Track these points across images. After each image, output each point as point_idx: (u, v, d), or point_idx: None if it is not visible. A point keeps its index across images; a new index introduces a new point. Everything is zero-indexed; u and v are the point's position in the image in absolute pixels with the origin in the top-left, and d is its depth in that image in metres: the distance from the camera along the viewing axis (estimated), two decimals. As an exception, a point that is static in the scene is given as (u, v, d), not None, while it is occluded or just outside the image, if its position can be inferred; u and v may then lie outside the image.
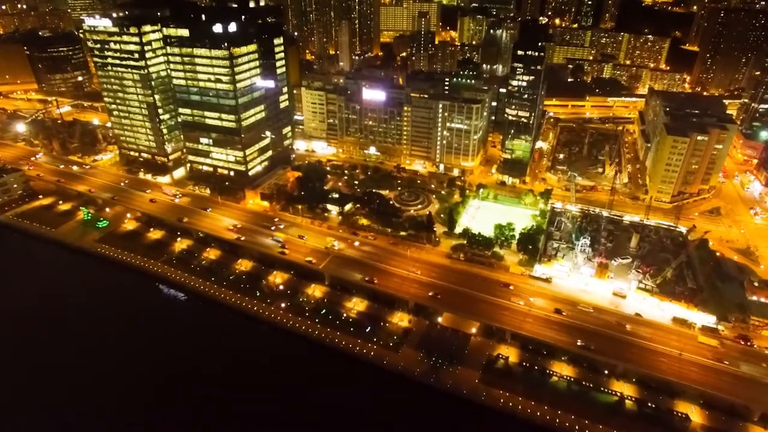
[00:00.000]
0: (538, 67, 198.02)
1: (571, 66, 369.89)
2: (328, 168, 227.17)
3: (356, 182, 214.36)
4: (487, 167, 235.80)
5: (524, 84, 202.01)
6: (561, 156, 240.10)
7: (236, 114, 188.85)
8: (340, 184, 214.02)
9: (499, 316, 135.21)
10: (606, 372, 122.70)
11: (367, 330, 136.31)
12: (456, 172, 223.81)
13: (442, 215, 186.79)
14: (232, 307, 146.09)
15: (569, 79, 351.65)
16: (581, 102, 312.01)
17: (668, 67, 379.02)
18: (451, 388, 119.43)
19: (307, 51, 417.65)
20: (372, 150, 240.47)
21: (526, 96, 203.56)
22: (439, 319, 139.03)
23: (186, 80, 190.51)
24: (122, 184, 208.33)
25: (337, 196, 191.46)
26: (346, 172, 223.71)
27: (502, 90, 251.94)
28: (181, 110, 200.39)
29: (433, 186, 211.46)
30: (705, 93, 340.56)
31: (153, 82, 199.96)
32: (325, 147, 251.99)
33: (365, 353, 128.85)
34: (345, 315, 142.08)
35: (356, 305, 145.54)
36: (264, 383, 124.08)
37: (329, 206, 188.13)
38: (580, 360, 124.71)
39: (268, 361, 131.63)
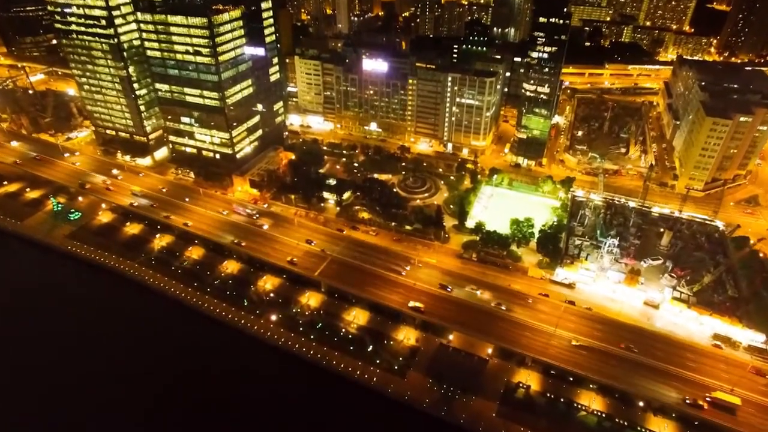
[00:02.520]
0: (562, 37, 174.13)
1: (588, 29, 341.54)
2: (324, 147, 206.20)
3: (356, 164, 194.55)
4: (499, 146, 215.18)
5: (545, 56, 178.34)
6: (579, 133, 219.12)
7: (220, 91, 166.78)
8: (338, 167, 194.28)
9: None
10: (641, 405, 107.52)
11: (368, 349, 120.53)
12: (465, 152, 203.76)
13: (451, 206, 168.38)
14: (216, 319, 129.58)
15: (586, 44, 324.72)
16: (599, 70, 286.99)
17: (693, 30, 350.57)
18: (465, 423, 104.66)
19: (302, 10, 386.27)
20: (373, 126, 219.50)
21: (546, 69, 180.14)
22: (450, 337, 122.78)
23: (161, 52, 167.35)
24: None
25: (334, 182, 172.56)
26: (344, 152, 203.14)
27: (517, 59, 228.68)
28: (158, 86, 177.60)
29: (441, 170, 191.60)
30: (734, 59, 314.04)
31: (125, 53, 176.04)
32: (321, 122, 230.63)
33: (367, 379, 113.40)
34: (344, 330, 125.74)
35: (356, 318, 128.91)
36: (249, 412, 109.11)
37: (326, 194, 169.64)
38: (610, 390, 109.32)
39: (253, 384, 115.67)
